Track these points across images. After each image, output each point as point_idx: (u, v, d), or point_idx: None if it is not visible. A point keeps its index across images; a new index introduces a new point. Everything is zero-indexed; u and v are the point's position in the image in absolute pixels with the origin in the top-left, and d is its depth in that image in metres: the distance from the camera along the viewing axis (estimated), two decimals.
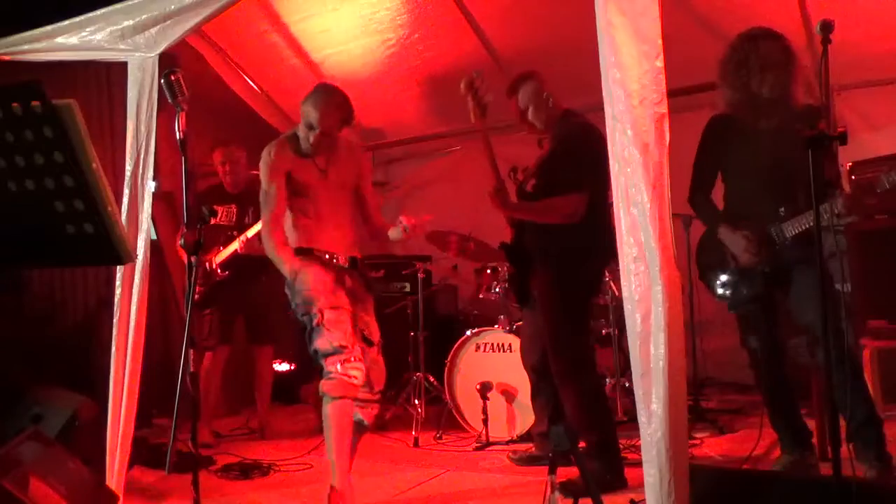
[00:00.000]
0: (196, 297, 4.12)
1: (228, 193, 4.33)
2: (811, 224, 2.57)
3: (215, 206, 4.22)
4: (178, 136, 2.36)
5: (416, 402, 4.39)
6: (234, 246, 4.14)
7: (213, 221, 4.22)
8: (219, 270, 4.22)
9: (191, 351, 2.17)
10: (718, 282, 3.01)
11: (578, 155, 3.14)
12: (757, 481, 2.29)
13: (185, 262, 4.22)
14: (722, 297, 3.02)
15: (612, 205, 2.18)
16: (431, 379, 4.51)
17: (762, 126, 2.85)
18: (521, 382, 3.79)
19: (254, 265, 4.19)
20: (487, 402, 3.94)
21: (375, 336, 2.99)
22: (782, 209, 2.79)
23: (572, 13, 3.43)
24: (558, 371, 3.21)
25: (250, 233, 4.06)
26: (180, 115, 2.41)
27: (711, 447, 3.60)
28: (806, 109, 2.79)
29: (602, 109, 2.16)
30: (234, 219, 4.30)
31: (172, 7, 2.94)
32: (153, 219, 3.22)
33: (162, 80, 2.43)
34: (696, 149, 3.06)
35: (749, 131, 2.88)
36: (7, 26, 3.37)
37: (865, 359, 3.65)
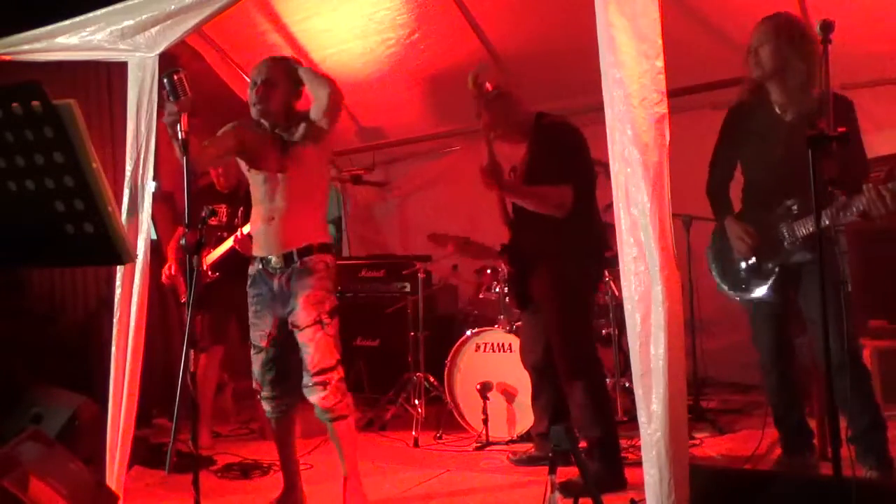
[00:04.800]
0: (185, 298, 4.13)
1: (219, 193, 4.32)
2: (824, 223, 2.56)
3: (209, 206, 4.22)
4: (179, 137, 2.36)
5: (416, 402, 4.39)
6: (227, 245, 4.13)
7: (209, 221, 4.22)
8: (209, 272, 4.21)
9: (191, 351, 2.17)
10: (727, 277, 2.97)
11: (556, 152, 3.20)
12: (757, 481, 2.29)
13: (167, 274, 4.27)
14: (731, 292, 2.98)
15: (610, 204, 2.18)
16: (431, 379, 4.51)
17: (782, 120, 2.79)
18: (522, 382, 3.80)
19: (245, 265, 4.17)
20: (487, 402, 3.94)
21: (304, 319, 2.78)
22: (794, 206, 2.74)
23: (572, 13, 3.44)
24: (566, 370, 3.20)
25: (246, 229, 4.04)
26: (182, 116, 2.41)
27: (711, 447, 3.60)
28: (826, 98, 2.73)
29: (602, 109, 2.16)
30: (224, 219, 4.28)
31: (172, 7, 2.94)
32: (153, 219, 3.21)
33: (164, 80, 2.44)
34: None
35: (768, 122, 2.82)
36: (7, 26, 3.36)
37: (865, 359, 3.65)
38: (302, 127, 2.84)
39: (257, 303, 2.95)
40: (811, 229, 2.69)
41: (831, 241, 2.72)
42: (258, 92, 2.85)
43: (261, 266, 2.93)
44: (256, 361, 2.96)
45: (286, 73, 2.90)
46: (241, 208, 4.23)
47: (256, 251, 2.96)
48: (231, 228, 4.17)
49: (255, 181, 2.94)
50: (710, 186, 3.04)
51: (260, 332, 2.94)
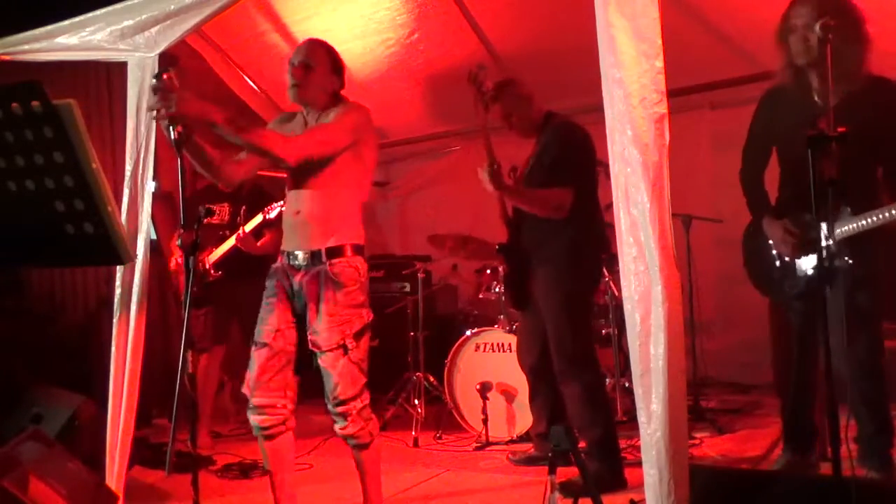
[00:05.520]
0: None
1: (221, 192, 4.30)
2: (867, 223, 2.49)
3: (208, 205, 4.22)
4: (172, 137, 2.30)
5: (416, 402, 4.40)
6: (229, 244, 4.13)
7: (207, 221, 4.22)
8: (212, 271, 4.21)
9: (189, 352, 2.14)
10: (761, 276, 2.88)
11: (564, 153, 3.22)
12: (757, 481, 2.29)
13: (178, 262, 4.26)
14: (763, 290, 2.90)
15: (610, 205, 2.18)
16: (431, 379, 4.51)
17: (822, 105, 2.62)
18: (521, 382, 3.79)
19: (248, 264, 4.19)
20: (487, 402, 3.95)
21: (325, 342, 2.54)
22: (848, 207, 2.56)
23: (572, 13, 3.44)
24: (561, 369, 3.22)
25: (248, 227, 4.04)
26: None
27: (711, 447, 3.60)
28: (873, 83, 2.59)
29: (602, 109, 2.16)
30: (226, 218, 4.28)
31: (172, 7, 2.93)
32: (153, 219, 3.21)
33: (153, 80, 2.29)
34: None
35: (806, 111, 2.66)
36: (7, 26, 3.36)
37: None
38: (333, 113, 2.65)
39: (271, 295, 2.68)
40: (849, 233, 2.57)
41: (875, 244, 2.60)
42: (295, 74, 2.65)
43: (287, 261, 2.69)
44: (256, 360, 2.62)
45: (326, 56, 2.71)
46: (244, 207, 4.24)
47: (284, 245, 2.72)
48: (234, 227, 4.17)
49: (286, 172, 2.76)
50: (743, 176, 2.92)
51: (267, 326, 2.64)
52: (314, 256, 2.61)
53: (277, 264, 2.74)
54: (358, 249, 2.66)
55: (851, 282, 2.56)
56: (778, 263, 2.82)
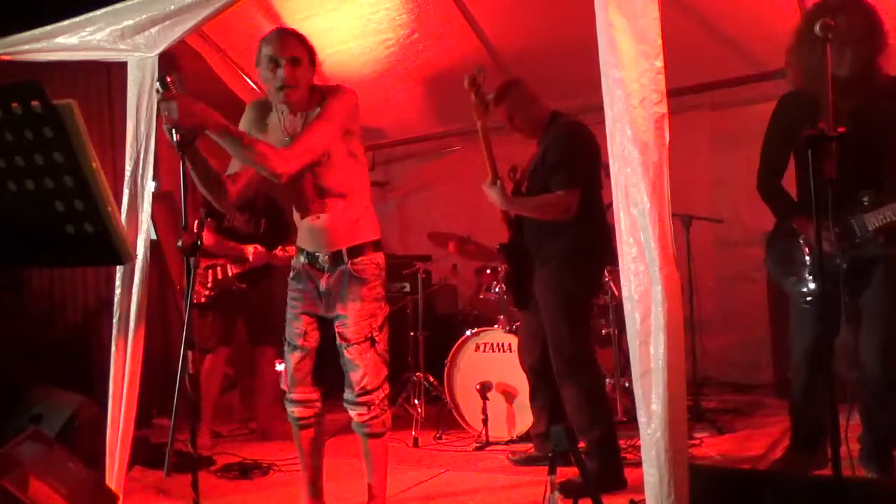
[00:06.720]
0: (204, 299, 4.14)
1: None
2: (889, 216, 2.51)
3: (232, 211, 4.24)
4: (175, 140, 2.28)
5: (416, 402, 4.40)
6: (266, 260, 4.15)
7: (227, 225, 4.23)
8: (235, 281, 4.20)
9: (189, 352, 2.14)
10: (791, 277, 2.84)
11: (568, 153, 3.20)
12: (757, 481, 2.29)
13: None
14: (796, 293, 2.84)
15: (610, 204, 2.18)
16: (431, 379, 4.51)
17: (841, 106, 2.54)
18: (521, 382, 3.79)
19: (255, 268, 4.19)
20: (487, 402, 3.95)
21: (354, 335, 2.61)
22: (865, 198, 2.61)
23: (572, 13, 3.43)
24: (559, 370, 3.22)
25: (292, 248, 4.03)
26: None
27: (711, 447, 3.60)
28: (892, 82, 2.61)
29: (602, 109, 2.16)
30: (246, 229, 4.29)
31: (172, 7, 2.94)
32: (153, 219, 3.21)
33: (157, 83, 2.25)
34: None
35: (825, 111, 2.63)
36: (7, 26, 3.37)
37: None
38: (319, 107, 2.52)
39: (297, 298, 2.72)
40: (886, 222, 2.57)
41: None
42: (289, 74, 2.45)
43: (307, 261, 2.70)
44: (290, 360, 2.73)
45: (304, 48, 2.53)
46: (263, 220, 4.25)
47: (302, 244, 2.72)
48: (256, 238, 4.18)
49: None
50: (761, 182, 2.89)
51: (296, 329, 2.72)
52: (336, 256, 2.65)
53: (298, 265, 2.75)
54: (376, 245, 2.72)
55: (879, 280, 2.59)
56: (808, 262, 2.77)
